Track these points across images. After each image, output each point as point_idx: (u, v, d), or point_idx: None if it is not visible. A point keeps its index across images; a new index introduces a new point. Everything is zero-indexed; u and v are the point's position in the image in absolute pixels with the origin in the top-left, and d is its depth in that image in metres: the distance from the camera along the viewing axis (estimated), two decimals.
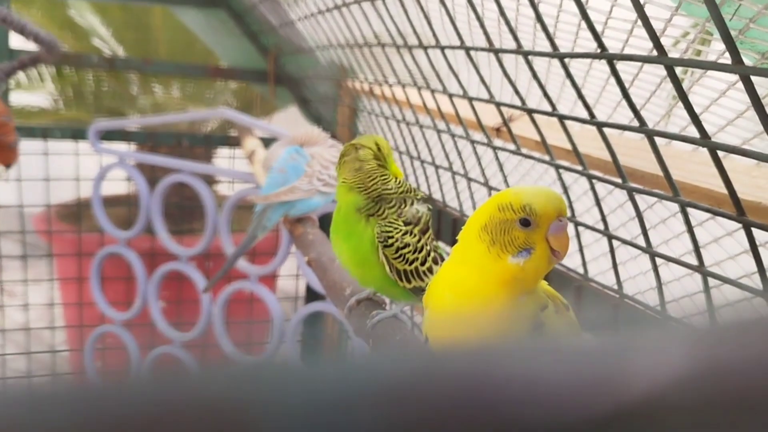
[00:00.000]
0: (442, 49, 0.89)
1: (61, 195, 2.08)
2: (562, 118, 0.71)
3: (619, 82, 0.58)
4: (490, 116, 0.96)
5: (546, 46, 0.66)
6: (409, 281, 0.69)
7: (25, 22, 1.27)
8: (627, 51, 0.69)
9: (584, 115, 0.66)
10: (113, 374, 0.14)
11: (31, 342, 2.00)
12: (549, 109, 0.72)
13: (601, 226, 0.76)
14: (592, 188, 0.74)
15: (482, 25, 0.76)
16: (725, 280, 0.57)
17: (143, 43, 2.37)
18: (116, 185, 1.99)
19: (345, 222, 0.71)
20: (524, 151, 0.87)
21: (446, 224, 1.15)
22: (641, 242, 0.68)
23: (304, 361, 0.15)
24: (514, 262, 0.49)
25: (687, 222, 0.60)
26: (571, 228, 0.76)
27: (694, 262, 0.61)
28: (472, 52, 0.83)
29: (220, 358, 1.59)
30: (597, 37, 0.57)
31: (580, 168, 0.73)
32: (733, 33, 0.48)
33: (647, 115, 0.73)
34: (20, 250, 1.93)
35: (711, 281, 0.59)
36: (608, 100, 0.86)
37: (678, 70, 0.53)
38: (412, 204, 0.71)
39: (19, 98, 2.22)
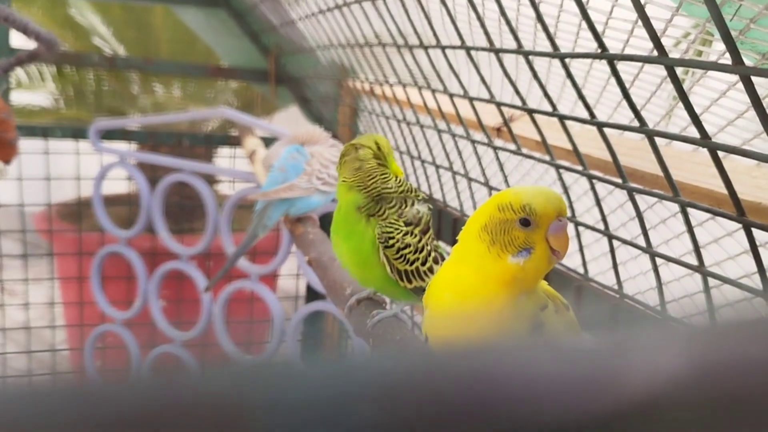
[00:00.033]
0: (443, 48, 0.89)
1: (61, 194, 2.09)
2: (562, 118, 0.71)
3: (620, 82, 0.58)
4: (490, 116, 0.96)
5: (547, 46, 0.66)
6: (409, 281, 0.69)
7: (27, 21, 1.27)
8: (628, 51, 0.69)
9: (585, 115, 0.66)
10: (113, 373, 0.15)
11: (31, 341, 2.00)
12: (549, 109, 0.72)
13: (601, 226, 0.76)
14: (593, 188, 0.74)
15: (483, 25, 0.76)
16: (725, 280, 0.58)
17: (144, 43, 2.37)
18: (117, 184, 1.99)
19: (345, 222, 0.71)
20: (525, 151, 0.87)
21: (447, 224, 1.15)
22: (641, 242, 0.68)
23: (304, 360, 0.15)
24: (514, 261, 0.49)
25: (687, 222, 0.60)
26: (571, 228, 0.76)
27: (694, 262, 0.61)
28: (473, 52, 0.83)
29: (220, 357, 1.59)
30: (597, 37, 0.57)
31: (580, 168, 0.73)
32: (733, 33, 0.48)
33: (647, 116, 0.73)
34: (21, 249, 1.93)
35: (711, 281, 0.60)
36: (609, 100, 0.86)
37: (679, 70, 0.53)
38: (412, 204, 0.71)
39: (19, 97, 2.22)
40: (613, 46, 0.64)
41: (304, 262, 1.08)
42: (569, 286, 0.83)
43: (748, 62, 0.46)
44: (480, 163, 0.98)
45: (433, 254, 0.71)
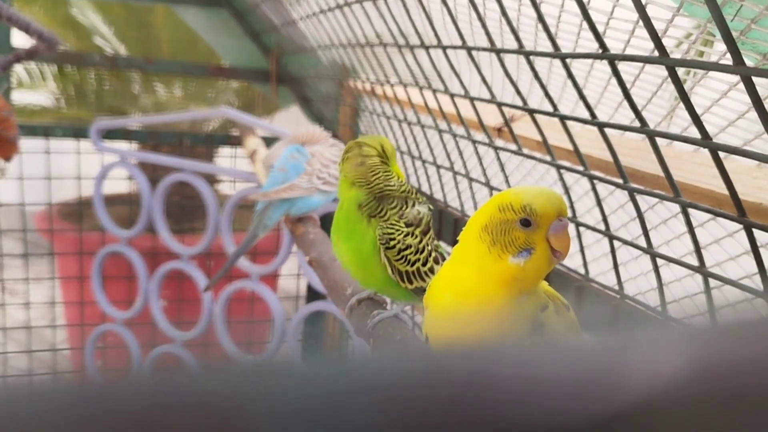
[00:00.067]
0: (444, 48, 0.89)
1: (62, 193, 2.09)
2: (563, 118, 0.71)
3: (621, 82, 0.58)
4: (491, 116, 0.96)
5: (548, 47, 0.66)
6: (410, 282, 0.69)
7: (29, 20, 1.27)
8: (629, 51, 0.69)
9: (585, 115, 0.66)
10: (114, 373, 0.15)
11: (32, 340, 2.00)
12: (550, 109, 0.72)
13: (602, 227, 0.76)
14: (593, 189, 0.74)
15: (484, 25, 0.75)
16: (726, 280, 0.57)
17: (145, 42, 2.37)
18: (118, 184, 1.99)
19: (346, 221, 0.71)
20: (526, 151, 0.87)
21: (447, 224, 1.15)
22: (642, 243, 0.68)
23: (304, 360, 0.15)
24: (515, 262, 0.49)
25: (688, 223, 0.60)
26: (572, 228, 0.76)
27: (695, 262, 0.61)
28: (474, 52, 0.83)
29: (221, 357, 1.59)
30: (598, 37, 0.57)
31: (581, 168, 0.73)
32: (734, 34, 0.48)
33: (648, 116, 0.73)
34: (21, 249, 1.93)
35: (712, 282, 0.59)
36: (610, 100, 0.86)
37: (680, 71, 0.53)
38: (413, 205, 0.71)
39: (20, 97, 2.22)
40: (614, 47, 0.64)
41: (305, 262, 1.08)
42: (570, 286, 0.83)
43: (749, 63, 0.46)
44: (481, 164, 0.98)
45: (433, 254, 0.71)
